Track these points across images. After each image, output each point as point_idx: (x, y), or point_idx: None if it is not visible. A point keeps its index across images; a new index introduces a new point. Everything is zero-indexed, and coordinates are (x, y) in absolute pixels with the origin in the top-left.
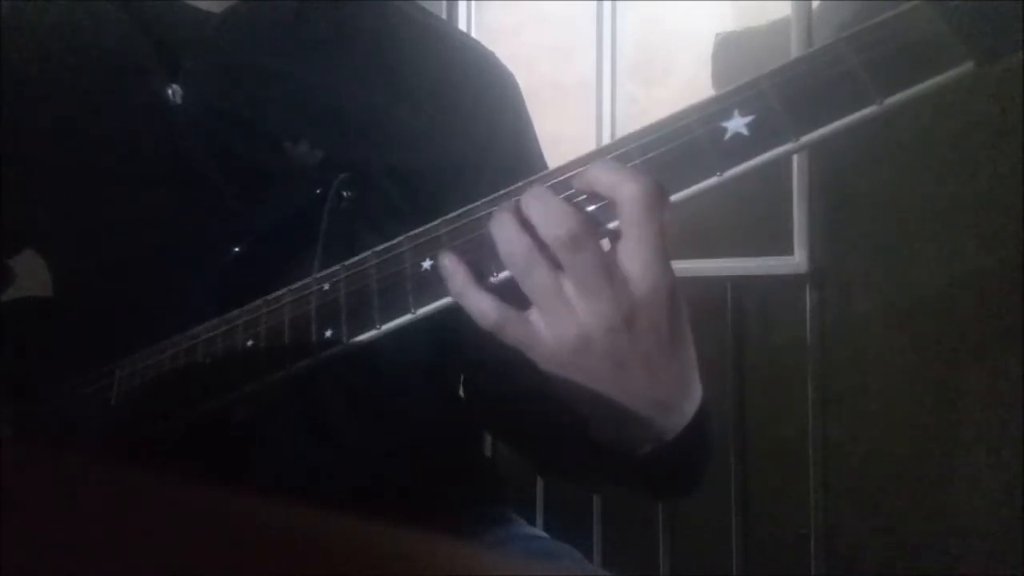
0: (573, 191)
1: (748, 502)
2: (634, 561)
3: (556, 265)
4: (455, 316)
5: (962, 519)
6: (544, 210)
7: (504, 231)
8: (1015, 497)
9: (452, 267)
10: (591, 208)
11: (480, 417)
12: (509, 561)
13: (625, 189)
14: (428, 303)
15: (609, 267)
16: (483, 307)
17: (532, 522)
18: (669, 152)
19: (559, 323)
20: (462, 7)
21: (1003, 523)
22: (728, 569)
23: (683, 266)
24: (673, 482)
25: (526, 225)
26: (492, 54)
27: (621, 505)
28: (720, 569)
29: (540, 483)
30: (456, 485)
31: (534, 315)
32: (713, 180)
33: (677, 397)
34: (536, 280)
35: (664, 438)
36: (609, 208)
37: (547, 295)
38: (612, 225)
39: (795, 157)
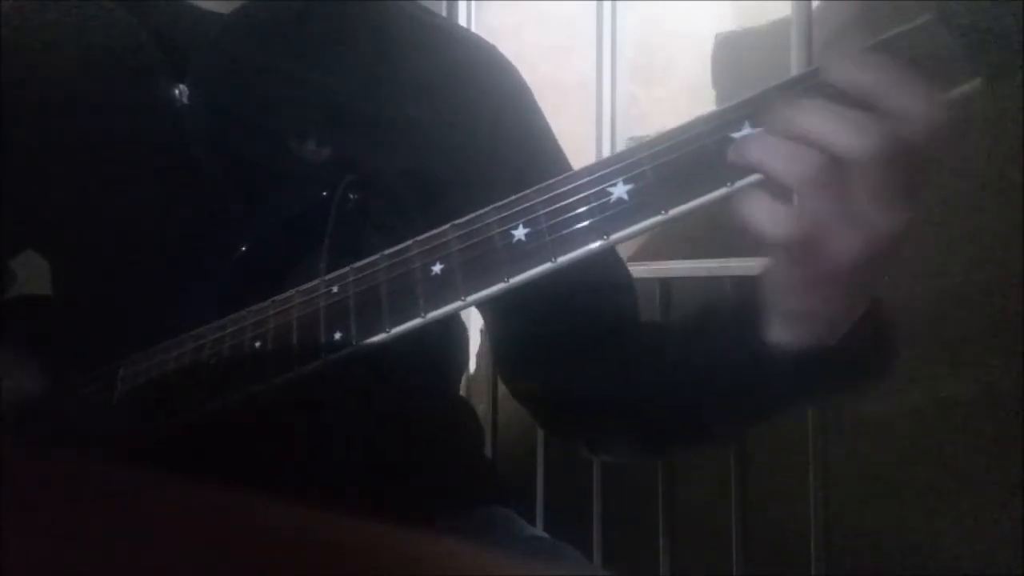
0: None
1: (748, 502)
2: (634, 561)
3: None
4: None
5: (962, 519)
6: (851, 119)
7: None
8: (1015, 497)
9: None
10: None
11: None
12: (509, 561)
13: (931, 115)
14: (438, 307)
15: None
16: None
17: (532, 522)
18: (678, 162)
19: (849, 235)
20: (462, 7)
21: (1003, 523)
22: (728, 569)
23: (683, 266)
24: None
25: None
26: (494, 48)
27: (621, 505)
28: (720, 569)
29: (540, 483)
30: (456, 485)
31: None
32: (723, 191)
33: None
34: (821, 192)
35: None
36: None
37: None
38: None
39: None
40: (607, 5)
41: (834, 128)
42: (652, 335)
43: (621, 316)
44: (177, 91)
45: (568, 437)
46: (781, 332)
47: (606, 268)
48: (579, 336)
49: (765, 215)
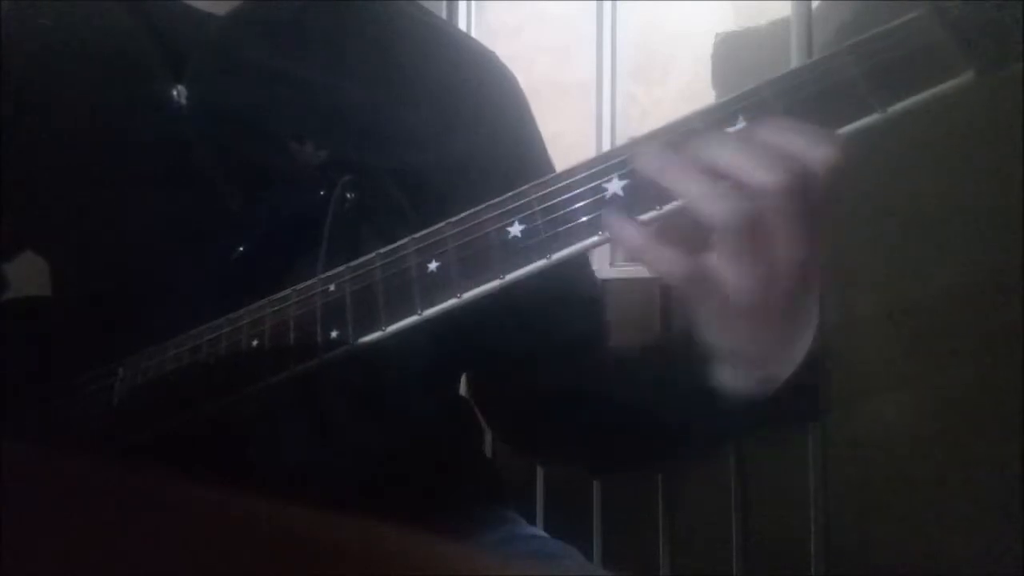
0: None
1: (748, 502)
2: (634, 561)
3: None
4: (541, 321)
5: (962, 519)
6: (756, 155)
7: (697, 181)
8: (1015, 497)
9: (625, 227)
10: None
11: (529, 427)
12: (509, 561)
13: (823, 152)
14: (434, 304)
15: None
16: (669, 262)
17: (532, 522)
18: None
19: (749, 264)
20: (462, 7)
21: (1003, 523)
22: (728, 569)
23: None
24: (780, 422)
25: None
26: (493, 54)
27: (621, 505)
28: (720, 569)
29: (540, 483)
30: (456, 485)
31: (718, 260)
32: None
33: (811, 334)
34: (738, 226)
35: (782, 378)
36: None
37: (747, 239)
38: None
39: None
40: (607, 5)
41: (745, 163)
42: (611, 354)
43: (584, 330)
44: (175, 92)
45: (539, 455)
46: (727, 375)
47: (573, 280)
48: (541, 351)
49: (664, 253)
